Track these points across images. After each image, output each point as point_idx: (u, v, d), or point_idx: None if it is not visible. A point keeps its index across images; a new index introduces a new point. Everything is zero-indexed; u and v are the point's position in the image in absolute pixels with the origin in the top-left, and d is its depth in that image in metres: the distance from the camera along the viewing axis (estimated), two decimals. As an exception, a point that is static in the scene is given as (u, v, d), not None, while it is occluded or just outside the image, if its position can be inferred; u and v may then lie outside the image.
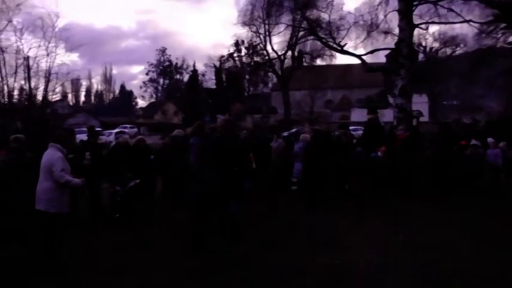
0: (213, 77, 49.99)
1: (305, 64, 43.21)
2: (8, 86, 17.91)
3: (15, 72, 18.21)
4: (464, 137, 11.47)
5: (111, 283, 4.65)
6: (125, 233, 6.63)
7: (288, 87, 41.27)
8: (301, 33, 35.25)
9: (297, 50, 40.88)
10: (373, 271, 4.91)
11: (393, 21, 18.83)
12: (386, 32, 20.32)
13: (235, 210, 5.56)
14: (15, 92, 17.84)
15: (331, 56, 38.38)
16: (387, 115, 21.22)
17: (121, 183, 7.48)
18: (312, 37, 30.51)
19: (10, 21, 19.20)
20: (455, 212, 7.87)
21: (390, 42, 19.89)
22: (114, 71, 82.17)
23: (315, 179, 8.28)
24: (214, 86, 49.32)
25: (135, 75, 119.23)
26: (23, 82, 18.05)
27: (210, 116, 31.18)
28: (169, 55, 68.23)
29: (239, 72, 49.30)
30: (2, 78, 17.76)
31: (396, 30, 18.15)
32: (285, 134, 19.95)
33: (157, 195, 8.64)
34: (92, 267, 5.11)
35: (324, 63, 41.52)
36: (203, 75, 52.88)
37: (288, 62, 42.30)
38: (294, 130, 24.92)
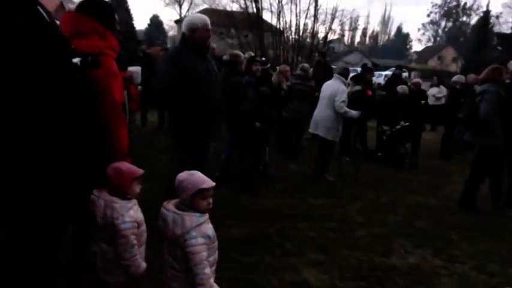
0: (510, 19, 42.04)
1: None
2: (298, 22, 19.94)
3: (307, 9, 20.00)
4: None
5: (373, 211, 4.91)
6: (387, 172, 6.81)
7: None
8: None
9: None
10: None
11: None
12: None
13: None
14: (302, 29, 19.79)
15: None
16: None
17: (389, 123, 7.55)
18: None
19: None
20: None
21: None
22: (393, 13, 79.84)
23: None
24: (509, 30, 41.54)
25: (413, 18, 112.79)
26: (312, 20, 19.75)
27: (499, 65, 26.76)
28: (459, -7, 60.75)
29: (548, 14, 39.60)
30: (296, 15, 19.93)
31: None
32: None
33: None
34: (355, 191, 5.52)
35: None
36: (497, 17, 45.12)
37: None
38: None
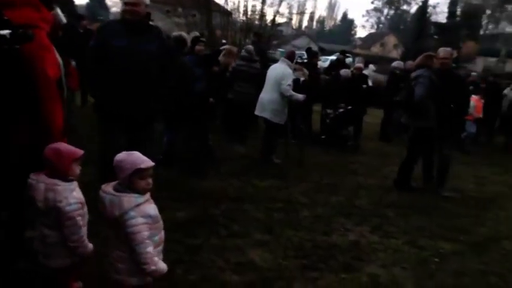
0: (446, 10, 44.31)
1: None
2: (246, 4, 19.67)
3: (254, -9, 19.64)
4: None
5: (316, 189, 5.04)
6: (330, 154, 7.03)
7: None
8: None
9: None
10: None
11: None
12: None
13: (448, 153, 5.35)
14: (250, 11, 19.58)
15: None
16: None
17: (332, 106, 7.77)
18: None
19: None
20: None
21: None
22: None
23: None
24: (445, 20, 43.87)
25: (359, 3, 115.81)
26: (260, 1, 19.56)
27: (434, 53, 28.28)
28: (402, -18, 62.77)
29: (479, 7, 42.20)
30: (244, -3, 19.53)
31: None
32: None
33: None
34: (299, 173, 5.66)
35: None
36: (434, 7, 47.32)
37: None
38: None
